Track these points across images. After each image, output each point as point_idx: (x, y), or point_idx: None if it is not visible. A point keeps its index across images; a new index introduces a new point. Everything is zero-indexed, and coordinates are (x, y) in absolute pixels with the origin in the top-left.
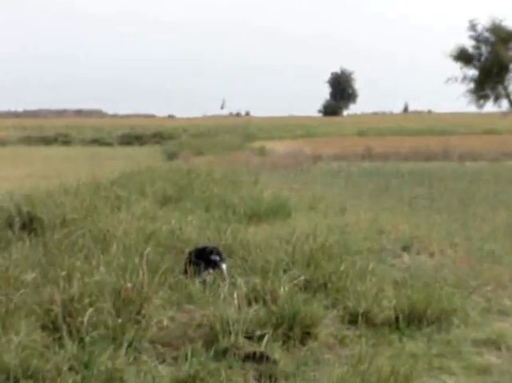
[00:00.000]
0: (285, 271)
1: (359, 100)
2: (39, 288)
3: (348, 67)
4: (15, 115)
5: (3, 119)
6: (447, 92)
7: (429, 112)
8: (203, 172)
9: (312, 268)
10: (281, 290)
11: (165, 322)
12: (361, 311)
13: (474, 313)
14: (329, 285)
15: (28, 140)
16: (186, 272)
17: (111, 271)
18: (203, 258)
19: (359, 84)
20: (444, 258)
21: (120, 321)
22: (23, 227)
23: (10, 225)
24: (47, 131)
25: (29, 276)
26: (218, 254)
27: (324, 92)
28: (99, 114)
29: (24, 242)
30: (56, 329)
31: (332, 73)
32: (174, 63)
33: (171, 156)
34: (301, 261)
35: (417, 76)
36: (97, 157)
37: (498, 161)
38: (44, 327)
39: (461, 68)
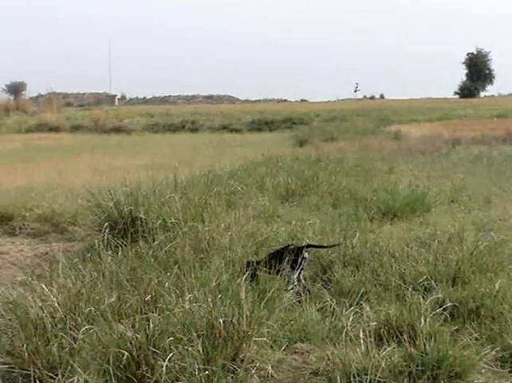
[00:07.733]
0: (425, 290)
1: (496, 81)
2: (112, 322)
3: (484, 46)
4: (143, 101)
5: (130, 106)
6: None
7: None
8: (333, 161)
9: (459, 287)
10: (422, 323)
11: (269, 370)
12: None
13: None
14: (482, 311)
15: (154, 128)
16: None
17: (205, 296)
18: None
19: (495, 65)
20: None
21: (206, 373)
22: (124, 230)
23: (112, 228)
24: (174, 118)
25: (106, 302)
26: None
27: (460, 74)
28: (230, 99)
29: (116, 252)
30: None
31: (467, 54)
32: (307, 47)
33: (301, 142)
34: (445, 275)
35: None
36: (224, 144)
37: None
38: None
39: None
